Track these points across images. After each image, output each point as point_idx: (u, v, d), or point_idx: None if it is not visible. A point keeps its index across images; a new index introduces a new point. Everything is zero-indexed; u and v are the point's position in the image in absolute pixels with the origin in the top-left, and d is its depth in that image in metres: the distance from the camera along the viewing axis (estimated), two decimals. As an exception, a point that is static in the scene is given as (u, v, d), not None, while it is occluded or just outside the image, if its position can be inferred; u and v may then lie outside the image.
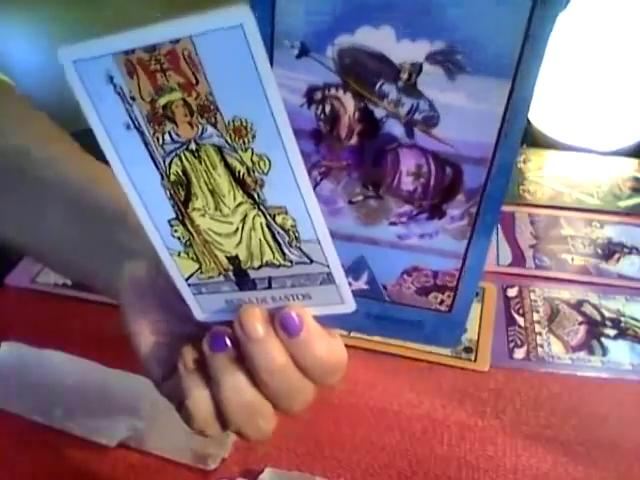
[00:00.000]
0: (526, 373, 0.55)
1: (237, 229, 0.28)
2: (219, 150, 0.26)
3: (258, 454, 0.48)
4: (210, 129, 0.25)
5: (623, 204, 0.77)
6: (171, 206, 0.28)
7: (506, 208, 0.76)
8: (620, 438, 0.50)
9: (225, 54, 0.23)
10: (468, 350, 0.57)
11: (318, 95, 0.27)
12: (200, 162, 0.27)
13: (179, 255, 0.30)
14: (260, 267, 0.29)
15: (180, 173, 0.27)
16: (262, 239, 0.28)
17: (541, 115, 0.91)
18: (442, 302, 0.31)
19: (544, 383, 0.54)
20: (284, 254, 0.29)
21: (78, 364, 0.54)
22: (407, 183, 0.28)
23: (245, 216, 0.28)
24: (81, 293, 0.63)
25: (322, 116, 0.27)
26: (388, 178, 0.28)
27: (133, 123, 0.26)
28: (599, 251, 0.69)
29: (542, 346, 0.58)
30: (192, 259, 0.30)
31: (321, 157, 0.28)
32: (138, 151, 0.27)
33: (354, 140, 0.28)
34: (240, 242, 0.29)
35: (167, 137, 0.26)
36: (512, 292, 0.64)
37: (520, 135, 0.26)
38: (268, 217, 0.27)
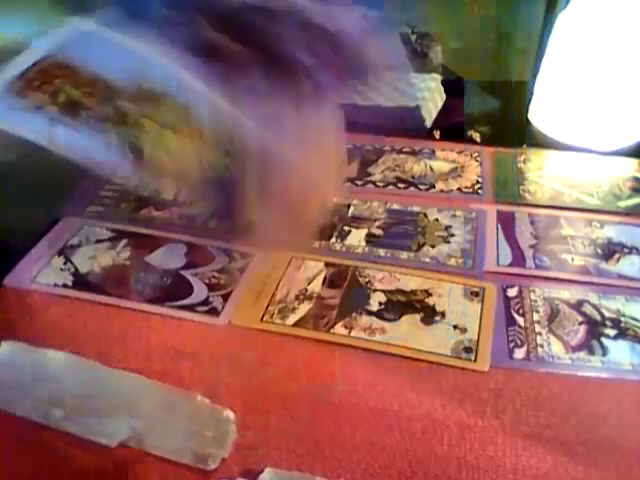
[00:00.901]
0: (526, 373, 0.55)
1: None
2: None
3: (258, 454, 0.48)
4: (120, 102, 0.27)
5: (623, 204, 0.77)
6: None
7: (506, 208, 0.76)
8: (620, 438, 0.50)
9: (93, 51, 0.25)
10: (468, 350, 0.57)
11: None
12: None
13: None
14: None
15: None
16: None
17: (541, 115, 0.91)
18: None
19: (544, 383, 0.54)
20: None
21: (78, 364, 0.54)
22: None
23: None
24: (81, 293, 0.63)
25: None
26: None
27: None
28: (599, 251, 0.69)
29: (542, 346, 0.58)
30: None
31: None
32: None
33: None
34: None
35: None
36: (512, 292, 0.64)
37: None
38: None
